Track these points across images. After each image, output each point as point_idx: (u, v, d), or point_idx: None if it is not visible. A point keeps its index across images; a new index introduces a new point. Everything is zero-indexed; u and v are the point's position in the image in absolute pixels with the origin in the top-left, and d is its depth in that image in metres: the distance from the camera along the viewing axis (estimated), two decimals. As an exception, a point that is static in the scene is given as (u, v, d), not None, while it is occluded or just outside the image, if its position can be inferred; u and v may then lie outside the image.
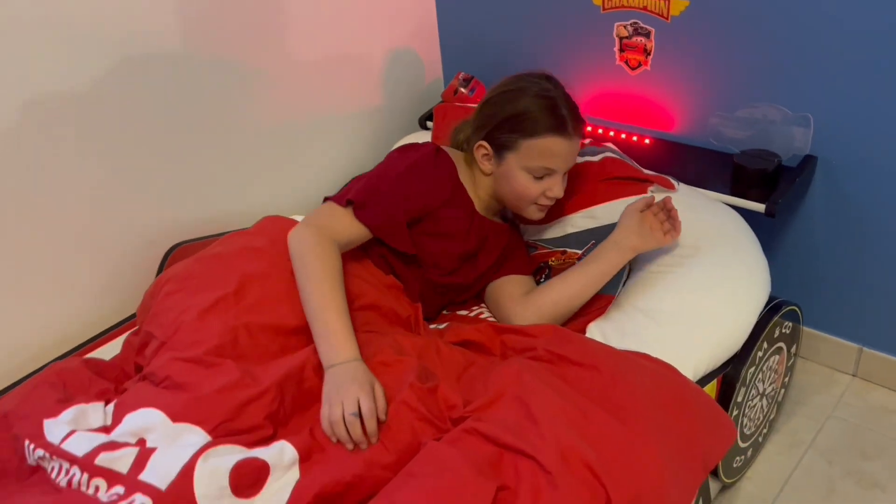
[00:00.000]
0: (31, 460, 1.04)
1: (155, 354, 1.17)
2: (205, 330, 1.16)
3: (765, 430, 1.60)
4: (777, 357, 1.51)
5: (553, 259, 1.48)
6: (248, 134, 1.76)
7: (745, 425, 1.48)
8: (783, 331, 1.49)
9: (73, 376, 1.19)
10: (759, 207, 1.53)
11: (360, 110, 2.01)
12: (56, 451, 1.00)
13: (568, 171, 1.42)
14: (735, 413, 1.41)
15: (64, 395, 1.13)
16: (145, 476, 0.96)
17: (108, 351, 1.42)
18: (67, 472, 0.98)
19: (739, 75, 1.63)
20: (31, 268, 1.45)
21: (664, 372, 1.20)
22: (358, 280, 1.32)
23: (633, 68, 1.82)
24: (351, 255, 1.33)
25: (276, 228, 1.36)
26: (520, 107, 1.35)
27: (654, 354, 1.25)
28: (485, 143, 1.39)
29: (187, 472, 0.96)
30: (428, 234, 1.38)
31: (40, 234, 1.44)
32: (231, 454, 0.99)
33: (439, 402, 1.12)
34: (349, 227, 1.30)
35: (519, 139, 1.35)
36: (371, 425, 1.05)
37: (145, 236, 1.60)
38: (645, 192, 1.51)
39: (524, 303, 1.38)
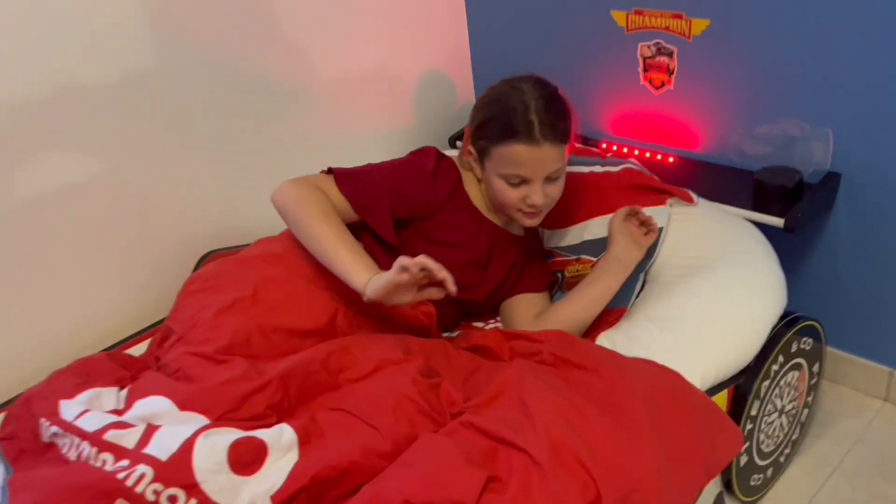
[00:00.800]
0: (45, 437, 1.10)
1: (171, 347, 1.23)
2: (219, 328, 1.22)
3: (787, 451, 1.57)
4: (796, 374, 1.49)
5: (568, 268, 1.50)
6: (285, 148, 1.85)
7: (763, 442, 1.46)
8: (802, 346, 1.47)
9: (95, 366, 1.26)
10: (779, 222, 1.52)
11: (392, 130, 2.08)
12: (69, 428, 1.06)
13: (560, 176, 1.38)
14: (749, 427, 1.39)
15: (83, 381, 1.19)
16: (148, 450, 1.01)
17: (140, 350, 1.50)
18: (77, 447, 1.04)
19: (760, 92, 1.64)
20: (73, 268, 1.54)
21: (668, 377, 1.20)
22: None
23: (656, 88, 1.85)
24: None
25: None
26: (491, 112, 1.34)
27: (661, 362, 1.25)
28: (471, 149, 1.41)
29: (187, 447, 1.00)
30: (434, 243, 1.40)
31: (83, 236, 1.54)
32: (231, 434, 1.04)
33: (441, 399, 1.15)
34: (333, 194, 1.34)
35: (489, 146, 1.35)
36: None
37: (185, 243, 1.69)
38: (663, 202, 1.52)
39: (534, 326, 1.40)
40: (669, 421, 1.11)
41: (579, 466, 1.00)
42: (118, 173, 1.55)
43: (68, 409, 1.10)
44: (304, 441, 1.06)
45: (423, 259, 1.13)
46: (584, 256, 1.51)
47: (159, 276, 1.67)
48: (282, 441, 1.05)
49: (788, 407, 1.51)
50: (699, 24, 1.70)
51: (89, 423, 1.06)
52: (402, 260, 1.14)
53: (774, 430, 1.49)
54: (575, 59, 1.96)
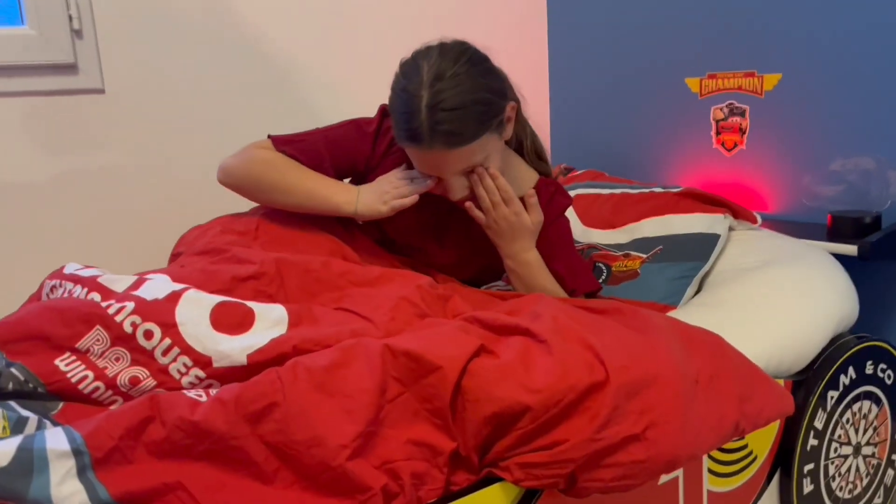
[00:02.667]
0: (44, 297, 1.09)
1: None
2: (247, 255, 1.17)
3: (869, 516, 1.34)
4: (874, 408, 1.31)
5: (616, 263, 1.43)
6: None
7: (834, 479, 1.26)
8: (879, 374, 1.30)
9: None
10: (852, 250, 1.42)
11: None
12: (65, 277, 1.06)
13: (480, 164, 1.17)
14: (814, 443, 1.21)
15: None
16: (136, 292, 1.00)
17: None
18: (70, 291, 1.04)
19: (832, 134, 1.61)
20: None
21: (704, 331, 1.08)
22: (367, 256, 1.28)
23: (728, 150, 1.85)
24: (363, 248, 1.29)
25: None
26: (391, 99, 1.17)
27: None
28: None
29: (174, 297, 0.99)
30: None
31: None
32: (221, 297, 1.01)
33: (448, 310, 1.09)
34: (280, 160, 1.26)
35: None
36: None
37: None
38: (722, 213, 1.47)
39: None
40: (701, 356, 0.99)
41: (587, 349, 0.91)
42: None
43: (71, 268, 1.11)
44: (295, 323, 1.00)
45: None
46: (632, 253, 1.44)
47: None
48: (272, 315, 1.00)
49: (866, 450, 1.31)
50: (771, 80, 1.73)
51: (86, 274, 1.06)
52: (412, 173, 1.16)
53: (849, 471, 1.29)
54: (650, 128, 2.01)
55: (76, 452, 0.78)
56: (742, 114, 1.80)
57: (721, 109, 1.85)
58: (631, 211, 1.54)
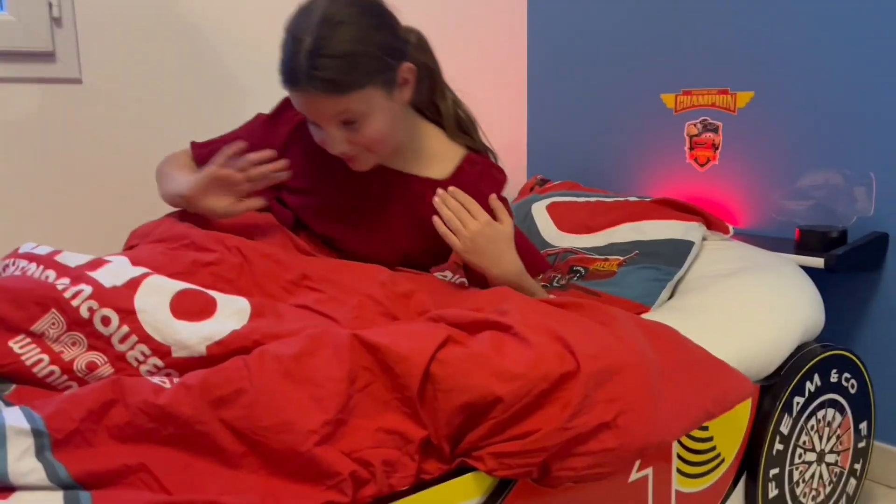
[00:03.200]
0: None
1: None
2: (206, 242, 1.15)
3: (831, 524, 1.36)
4: (838, 416, 1.33)
5: (594, 265, 1.45)
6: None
7: (798, 485, 1.28)
8: (843, 383, 1.33)
9: None
10: (819, 262, 1.46)
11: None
12: (20, 256, 1.04)
13: (360, 122, 1.12)
14: (779, 447, 1.23)
15: None
16: (93, 273, 0.97)
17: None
18: (24, 269, 1.01)
19: (802, 150, 1.66)
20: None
21: (665, 326, 1.10)
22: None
23: (701, 165, 1.89)
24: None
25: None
26: (284, 36, 1.12)
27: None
28: None
29: (133, 283, 0.97)
30: (288, 191, 1.29)
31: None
32: (182, 284, 0.99)
33: (411, 307, 1.08)
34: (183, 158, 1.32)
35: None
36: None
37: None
38: (697, 221, 1.50)
39: None
40: (663, 349, 1.01)
41: (556, 340, 0.91)
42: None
43: (27, 247, 1.08)
44: (258, 314, 0.98)
45: (254, 155, 1.13)
46: (611, 257, 1.46)
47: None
48: (234, 305, 0.99)
49: (830, 457, 1.34)
50: (744, 97, 1.77)
51: (41, 251, 1.04)
52: (226, 149, 1.14)
53: (813, 477, 1.31)
54: (626, 142, 2.05)
55: (35, 433, 0.76)
56: (715, 130, 1.84)
57: (695, 125, 1.89)
58: (606, 217, 1.56)
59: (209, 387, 0.82)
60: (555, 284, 1.46)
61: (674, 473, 1.12)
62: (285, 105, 1.27)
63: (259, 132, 1.28)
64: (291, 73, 1.08)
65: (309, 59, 1.06)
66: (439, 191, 1.16)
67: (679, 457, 1.13)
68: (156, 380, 0.87)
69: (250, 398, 0.81)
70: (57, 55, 1.55)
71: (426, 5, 2.05)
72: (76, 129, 1.59)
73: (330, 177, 1.22)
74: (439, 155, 1.26)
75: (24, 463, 0.74)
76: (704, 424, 1.12)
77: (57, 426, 0.77)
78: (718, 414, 1.02)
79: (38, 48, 1.53)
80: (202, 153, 1.30)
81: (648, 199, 1.61)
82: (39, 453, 0.75)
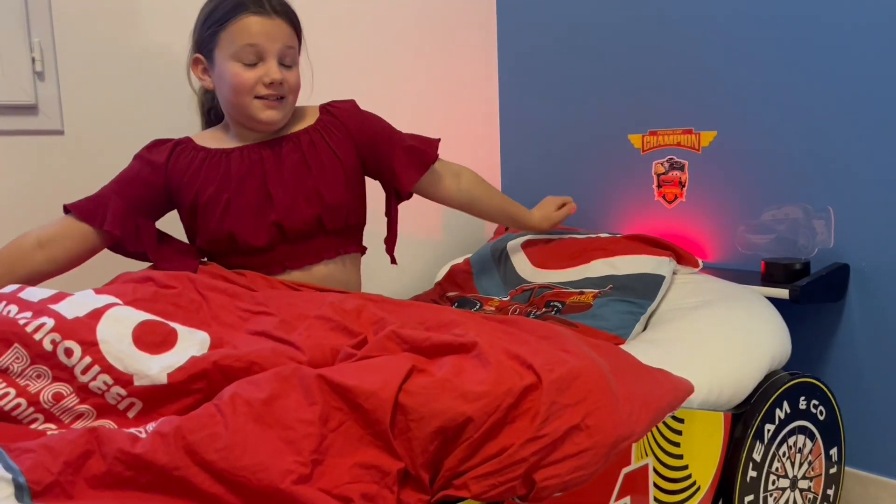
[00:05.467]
0: None
1: None
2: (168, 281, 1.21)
3: (806, 549, 1.39)
4: (808, 443, 1.38)
5: (570, 299, 1.49)
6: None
7: (773, 511, 1.31)
8: (812, 409, 1.38)
9: None
10: (784, 293, 1.51)
11: (418, 240, 2.19)
12: None
13: (294, 65, 1.34)
14: (753, 474, 1.26)
15: None
16: (55, 306, 1.00)
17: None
18: None
19: (765, 186, 1.73)
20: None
21: (610, 345, 1.17)
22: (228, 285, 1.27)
23: (669, 202, 1.95)
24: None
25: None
26: (213, 3, 1.32)
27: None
28: (198, 56, 1.36)
29: (96, 314, 0.99)
30: (199, 209, 1.35)
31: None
32: (144, 314, 1.02)
33: (363, 319, 1.11)
34: (61, 223, 1.33)
35: (218, 32, 1.30)
36: None
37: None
38: (668, 256, 1.55)
39: (459, 194, 1.58)
40: (605, 355, 1.05)
41: (512, 358, 0.94)
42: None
43: None
44: (216, 345, 1.03)
45: None
46: (586, 290, 1.51)
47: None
48: (194, 338, 1.02)
49: (802, 483, 1.37)
50: (707, 136, 1.85)
51: (6, 289, 1.07)
52: None
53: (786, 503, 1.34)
54: (596, 181, 2.11)
55: (15, 483, 0.77)
56: (681, 168, 1.91)
57: (662, 164, 1.95)
58: (580, 253, 1.61)
59: (183, 432, 0.84)
60: (531, 316, 1.50)
61: (651, 502, 1.15)
62: (151, 145, 1.40)
63: (141, 169, 1.37)
64: (260, 2, 1.28)
65: None
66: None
67: (655, 485, 1.16)
68: (133, 430, 0.89)
69: (225, 441, 0.83)
70: (39, 108, 1.59)
71: (393, 44, 2.13)
72: (58, 180, 1.62)
73: (220, 168, 1.34)
74: (303, 112, 1.43)
75: None
76: (678, 453, 1.16)
77: (35, 478, 0.78)
78: (674, 409, 1.06)
79: (20, 101, 1.56)
80: (89, 208, 1.33)
81: (619, 236, 1.66)
82: (20, 500, 0.76)
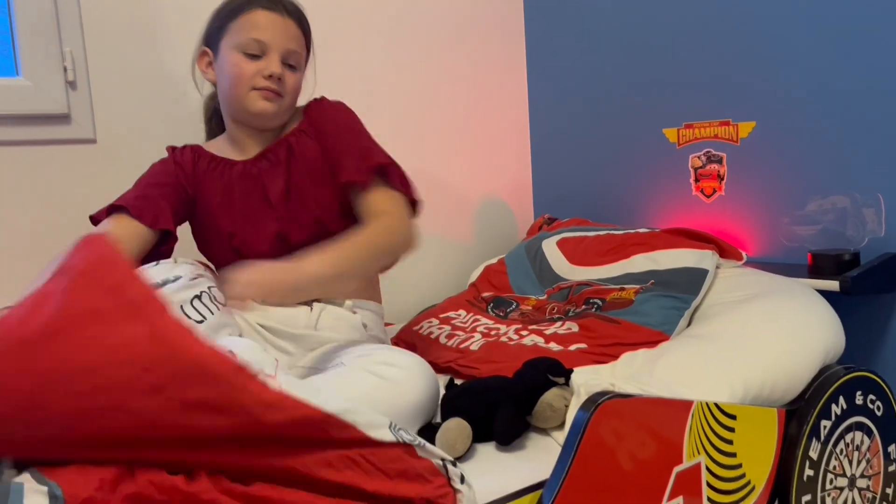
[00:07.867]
0: None
1: None
2: None
3: (867, 551, 1.33)
4: (866, 440, 1.32)
5: (611, 295, 1.45)
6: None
7: (831, 510, 1.25)
8: (868, 405, 1.32)
9: None
10: (833, 285, 1.46)
11: (454, 245, 2.17)
12: None
13: (298, 68, 1.33)
14: (810, 473, 1.21)
15: None
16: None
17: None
18: None
19: (808, 176, 1.67)
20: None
21: None
22: None
23: (707, 196, 1.90)
24: None
25: None
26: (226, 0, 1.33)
27: (701, 368, 1.17)
28: (205, 49, 1.36)
29: None
30: (212, 217, 1.37)
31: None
32: None
33: None
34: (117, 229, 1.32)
35: (227, 23, 1.31)
36: None
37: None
38: (710, 249, 1.50)
39: None
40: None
41: None
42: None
43: None
44: None
45: None
46: (627, 287, 1.46)
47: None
48: None
49: (861, 482, 1.31)
50: (745, 127, 1.80)
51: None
52: None
53: (846, 503, 1.28)
54: (630, 178, 2.07)
55: (51, 495, 0.75)
56: (719, 161, 1.86)
57: (699, 157, 1.91)
58: (619, 248, 1.57)
59: None
60: (570, 314, 1.46)
61: (704, 503, 1.11)
62: (171, 149, 1.42)
63: (175, 172, 1.38)
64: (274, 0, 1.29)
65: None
66: None
67: (709, 485, 1.11)
68: None
69: None
70: (72, 117, 1.59)
71: (426, 54, 2.11)
72: (91, 189, 1.62)
73: (224, 179, 1.36)
74: (298, 113, 1.41)
75: None
76: (730, 451, 1.11)
77: (72, 492, 0.76)
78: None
79: (53, 111, 1.56)
80: (140, 207, 1.32)
81: (659, 230, 1.62)
82: None
